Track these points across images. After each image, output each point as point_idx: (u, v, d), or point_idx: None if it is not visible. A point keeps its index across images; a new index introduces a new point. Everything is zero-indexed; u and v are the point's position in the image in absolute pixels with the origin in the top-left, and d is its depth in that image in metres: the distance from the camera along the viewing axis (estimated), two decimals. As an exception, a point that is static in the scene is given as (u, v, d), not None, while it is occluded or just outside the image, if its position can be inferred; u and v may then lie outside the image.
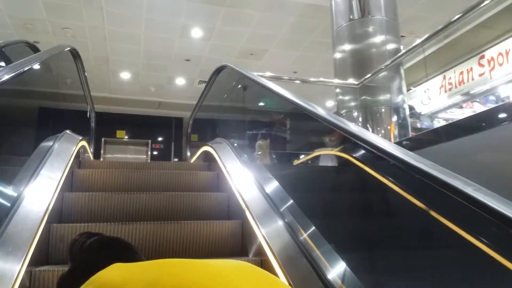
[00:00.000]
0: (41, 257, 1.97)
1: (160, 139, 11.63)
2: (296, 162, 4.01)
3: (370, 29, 4.51)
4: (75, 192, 2.69)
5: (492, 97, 6.38)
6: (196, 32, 7.52)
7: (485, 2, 3.18)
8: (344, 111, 4.66)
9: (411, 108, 5.25)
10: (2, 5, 6.45)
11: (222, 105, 5.09)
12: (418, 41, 3.93)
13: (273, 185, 2.42)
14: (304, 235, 1.85)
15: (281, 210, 2.12)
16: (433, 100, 6.32)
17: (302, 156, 4.04)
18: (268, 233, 2.02)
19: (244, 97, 3.97)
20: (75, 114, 5.07)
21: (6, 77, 2.07)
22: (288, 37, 7.65)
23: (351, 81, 4.47)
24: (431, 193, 1.40)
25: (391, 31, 4.56)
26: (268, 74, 4.71)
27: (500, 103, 4.59)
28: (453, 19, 3.47)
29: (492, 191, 1.15)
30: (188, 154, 5.75)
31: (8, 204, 1.83)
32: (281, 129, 4.73)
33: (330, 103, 9.65)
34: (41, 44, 6.44)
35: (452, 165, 1.42)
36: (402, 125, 4.40)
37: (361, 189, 2.33)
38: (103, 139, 10.62)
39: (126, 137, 11.36)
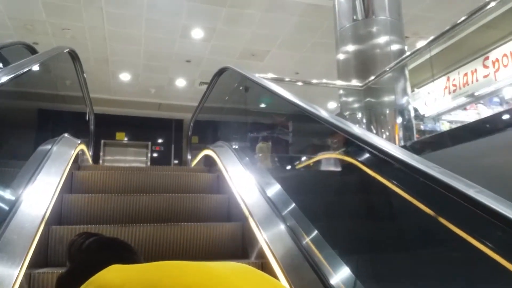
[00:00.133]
0: (40, 259, 1.97)
1: (160, 141, 11.58)
2: (300, 165, 3.95)
3: (374, 29, 4.46)
4: (74, 194, 2.70)
5: (496, 99, 6.32)
6: (197, 33, 7.46)
7: (492, 4, 3.13)
8: (347, 112, 4.61)
9: (414, 110, 5.20)
10: (2, 6, 6.39)
11: (223, 107, 5.03)
12: (424, 42, 3.88)
13: (275, 189, 2.41)
14: (307, 239, 1.84)
15: (283, 214, 2.11)
16: (437, 101, 6.26)
17: (306, 159, 3.98)
18: (270, 237, 1.99)
19: (246, 99, 3.92)
20: (74, 115, 5.03)
21: (3, 79, 2.04)
22: (290, 38, 7.59)
23: (355, 82, 4.41)
24: (439, 198, 1.35)
25: (396, 32, 4.50)
26: (270, 75, 4.65)
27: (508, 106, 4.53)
28: (459, 21, 3.41)
29: (503, 197, 1.11)
30: (189, 157, 5.69)
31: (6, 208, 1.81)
32: (283, 131, 4.67)
33: (332, 105, 9.59)
34: (41, 45, 6.39)
35: (462, 169, 1.38)
36: (406, 127, 4.35)
37: (366, 194, 2.29)
38: (102, 141, 10.57)
39: (125, 139, 11.31)
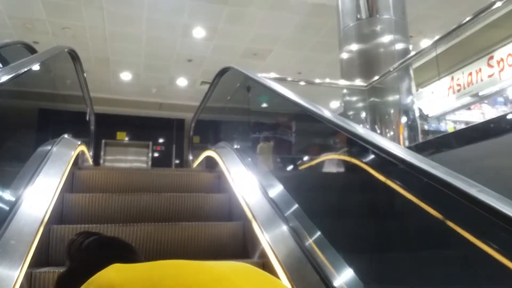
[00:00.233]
0: (41, 258, 1.98)
1: (161, 140, 11.56)
2: (304, 165, 3.90)
3: (378, 28, 4.43)
4: (75, 193, 2.71)
5: (500, 99, 6.27)
6: (199, 32, 7.41)
7: (498, 3, 3.08)
8: (351, 112, 4.57)
9: (418, 110, 5.16)
10: (1, 5, 6.35)
11: (225, 107, 4.99)
12: (428, 41, 3.84)
13: (279, 191, 2.40)
14: (310, 240, 1.85)
15: (285, 214, 2.11)
16: (441, 101, 6.21)
17: (310, 160, 3.94)
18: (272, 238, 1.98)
19: (248, 99, 3.87)
20: (75, 115, 5.00)
21: (2, 79, 2.03)
22: (293, 37, 7.54)
23: (359, 82, 4.37)
24: (443, 199, 1.34)
25: (400, 31, 4.47)
26: (272, 75, 4.61)
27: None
28: (465, 20, 3.36)
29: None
30: (190, 157, 5.64)
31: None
32: (286, 132, 4.62)
33: (334, 104, 9.53)
34: (41, 44, 6.36)
35: (469, 171, 1.36)
36: (411, 126, 4.32)
37: (369, 194, 2.26)
38: (103, 140, 10.54)
39: (126, 138, 11.29)
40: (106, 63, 8.57)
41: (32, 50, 4.18)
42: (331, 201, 2.38)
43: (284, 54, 8.19)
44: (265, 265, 1.97)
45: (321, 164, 3.70)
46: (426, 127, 5.90)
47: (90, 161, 4.47)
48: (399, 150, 1.57)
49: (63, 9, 6.50)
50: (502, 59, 5.67)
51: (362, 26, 4.49)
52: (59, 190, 2.26)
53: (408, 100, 4.35)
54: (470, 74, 6.07)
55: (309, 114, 2.35)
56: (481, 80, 5.94)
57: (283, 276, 1.73)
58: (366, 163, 2.32)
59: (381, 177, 1.97)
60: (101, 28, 7.13)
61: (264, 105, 4.21)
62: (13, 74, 2.18)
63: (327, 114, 2.22)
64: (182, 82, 9.74)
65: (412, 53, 4.25)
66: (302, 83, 5.48)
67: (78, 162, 3.34)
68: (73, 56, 4.13)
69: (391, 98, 4.35)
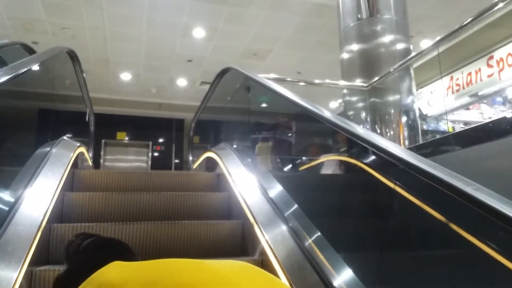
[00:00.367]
0: (42, 256, 1.99)
1: (161, 140, 11.56)
2: (304, 166, 3.90)
3: (379, 28, 4.42)
4: (75, 192, 2.71)
5: (499, 98, 6.26)
6: (199, 32, 7.40)
7: (500, 4, 3.08)
8: (351, 112, 4.56)
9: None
10: (1, 5, 6.34)
11: (225, 107, 4.98)
12: (428, 41, 3.83)
13: (278, 191, 2.39)
14: (309, 241, 1.85)
15: (285, 214, 2.11)
16: (440, 101, 6.20)
17: (310, 160, 3.94)
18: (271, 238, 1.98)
19: (248, 99, 3.87)
20: (75, 115, 4.99)
21: (1, 80, 2.04)
22: (293, 37, 7.54)
23: (359, 82, 4.37)
24: (441, 199, 1.36)
25: (401, 31, 4.46)
26: (272, 75, 4.60)
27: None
28: (467, 21, 3.36)
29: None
30: (190, 158, 5.63)
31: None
32: (286, 132, 4.62)
33: (334, 104, 9.52)
34: (40, 45, 6.35)
35: (471, 173, 1.35)
36: (411, 126, 4.32)
37: (369, 195, 2.27)
38: (103, 140, 10.54)
39: (126, 138, 11.29)
40: (106, 63, 8.57)
41: (30, 51, 4.17)
42: (331, 201, 2.38)
43: (284, 54, 8.18)
44: (264, 263, 1.98)
45: (320, 164, 3.70)
46: (425, 127, 5.90)
47: (90, 162, 4.47)
48: (398, 150, 1.57)
49: (62, 9, 6.49)
50: (502, 59, 5.66)
51: (363, 26, 4.48)
52: (59, 190, 2.26)
53: (409, 100, 4.34)
54: (470, 74, 6.06)
55: (309, 114, 2.35)
56: (481, 80, 5.93)
57: (282, 275, 1.73)
58: (365, 163, 2.33)
59: (381, 177, 1.97)
60: (101, 28, 7.12)
61: (264, 105, 4.21)
62: (13, 74, 2.19)
63: (327, 114, 2.22)
64: (182, 82, 9.73)
65: (413, 53, 4.24)
66: (302, 83, 5.48)
67: (77, 164, 3.34)
68: (72, 56, 4.13)
69: (392, 98, 4.34)
